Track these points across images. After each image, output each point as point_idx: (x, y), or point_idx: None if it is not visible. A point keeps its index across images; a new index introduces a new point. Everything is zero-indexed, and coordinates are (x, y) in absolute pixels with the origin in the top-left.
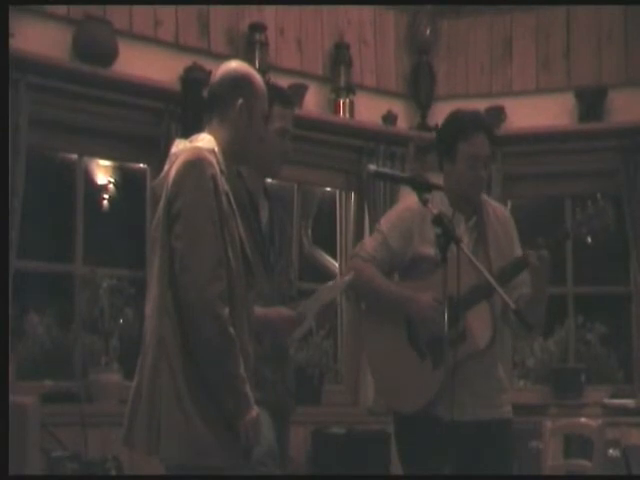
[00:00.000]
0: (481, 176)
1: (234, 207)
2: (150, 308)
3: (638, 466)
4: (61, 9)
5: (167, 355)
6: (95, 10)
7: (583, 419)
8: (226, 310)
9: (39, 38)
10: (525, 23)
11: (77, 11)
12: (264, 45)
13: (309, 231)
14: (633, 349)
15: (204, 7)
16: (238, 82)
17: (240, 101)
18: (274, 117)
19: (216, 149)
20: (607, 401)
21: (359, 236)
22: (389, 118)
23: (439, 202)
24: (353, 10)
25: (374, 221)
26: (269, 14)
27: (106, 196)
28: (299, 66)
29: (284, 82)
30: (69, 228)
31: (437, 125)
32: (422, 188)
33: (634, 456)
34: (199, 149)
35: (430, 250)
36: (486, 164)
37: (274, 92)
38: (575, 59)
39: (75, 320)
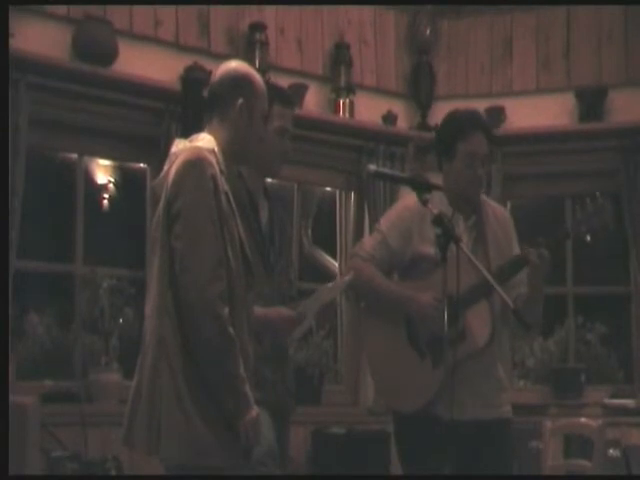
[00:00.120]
0: (479, 175)
1: (234, 207)
2: (150, 308)
3: (638, 466)
4: (61, 9)
5: (167, 355)
6: (95, 10)
7: (583, 419)
8: (226, 310)
9: (39, 38)
10: (525, 23)
11: (77, 11)
12: (264, 45)
13: (309, 231)
14: (633, 349)
15: (204, 7)
16: (238, 82)
17: (240, 101)
18: (273, 116)
19: (216, 149)
20: (607, 401)
21: (359, 236)
22: (389, 118)
23: (438, 202)
24: (353, 10)
25: (374, 221)
26: (269, 14)
27: (106, 196)
28: (299, 66)
29: (284, 82)
30: (69, 228)
31: (437, 125)
32: (422, 188)
33: (634, 456)
34: (199, 149)
35: (429, 249)
36: (484, 163)
37: (274, 91)
38: (575, 59)
39: (75, 320)
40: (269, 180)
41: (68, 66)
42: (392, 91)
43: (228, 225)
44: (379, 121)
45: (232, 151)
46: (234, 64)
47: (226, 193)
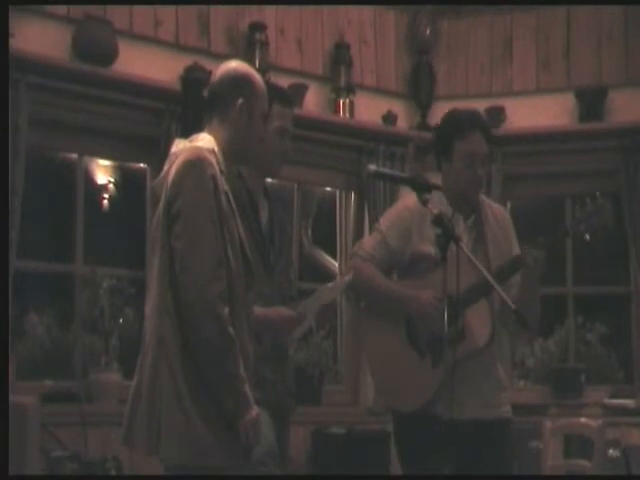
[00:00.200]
0: (479, 174)
1: (234, 207)
2: (150, 308)
3: (638, 466)
4: (61, 9)
5: (167, 355)
6: (95, 10)
7: (583, 419)
8: (226, 310)
9: (39, 38)
10: (525, 23)
11: (77, 11)
12: (264, 45)
13: (309, 231)
14: (633, 349)
15: (204, 7)
16: (238, 82)
17: (240, 101)
18: (273, 116)
19: (216, 149)
20: (607, 401)
21: (359, 236)
22: (389, 118)
23: (438, 202)
24: (353, 10)
25: (374, 221)
26: (269, 14)
27: (106, 196)
28: (299, 66)
29: (284, 82)
30: (69, 228)
31: (437, 125)
32: (422, 188)
33: (634, 456)
34: (199, 149)
35: (429, 248)
36: (483, 162)
37: (273, 91)
38: (575, 59)
39: (75, 320)
40: (269, 180)
41: (68, 66)
42: (392, 91)
43: (228, 225)
44: (379, 121)
45: (232, 151)
46: (234, 64)
47: (226, 193)
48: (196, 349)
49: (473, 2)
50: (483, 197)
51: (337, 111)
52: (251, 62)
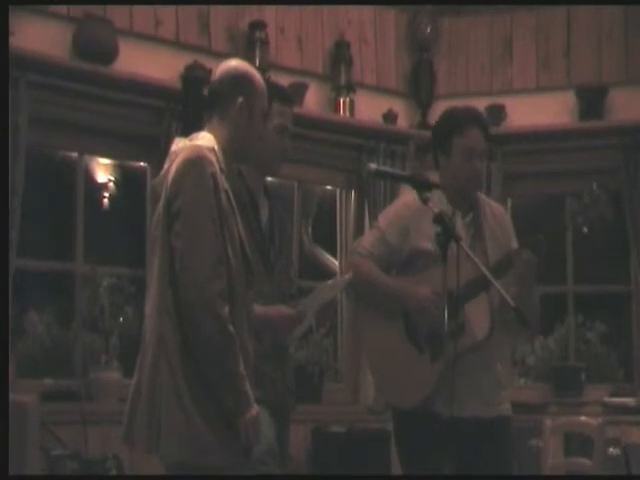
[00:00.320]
0: (478, 169)
1: (234, 205)
2: (150, 306)
3: (638, 465)
4: (61, 7)
5: (167, 353)
6: (95, 9)
7: (583, 417)
8: (226, 308)
9: (39, 36)
10: (525, 22)
11: (77, 9)
12: (264, 43)
13: (309, 229)
14: (633, 347)
15: (204, 5)
16: (238, 80)
17: (240, 99)
18: (273, 114)
19: (216, 147)
20: (607, 399)
21: (359, 234)
22: (389, 117)
23: (437, 200)
24: (353, 9)
25: (374, 219)
26: (269, 12)
27: (106, 194)
28: (299, 64)
29: (284, 80)
30: (69, 226)
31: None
32: (422, 187)
33: (634, 454)
34: (199, 147)
35: (427, 244)
36: (482, 158)
37: (273, 90)
38: (575, 58)
39: (75, 318)
40: (269, 179)
41: (68, 65)
42: (392, 90)
43: (228, 223)
44: (379, 120)
45: (232, 149)
46: (234, 63)
47: (226, 191)
48: (196, 347)
49: (473, 2)
50: (482, 195)
51: (337, 110)
52: (251, 61)
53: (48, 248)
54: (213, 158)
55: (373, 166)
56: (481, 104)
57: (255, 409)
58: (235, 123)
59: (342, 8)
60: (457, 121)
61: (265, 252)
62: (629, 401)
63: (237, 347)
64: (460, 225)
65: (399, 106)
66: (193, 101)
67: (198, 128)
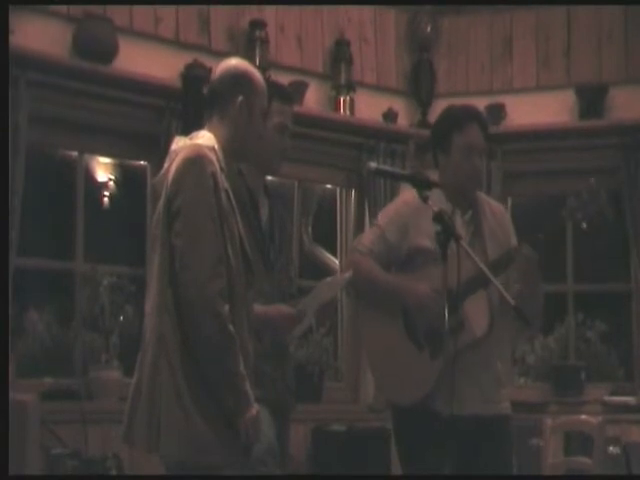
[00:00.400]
0: (477, 167)
1: (234, 204)
2: (150, 305)
3: (638, 463)
4: (61, 6)
5: (167, 352)
6: (95, 7)
7: (583, 416)
8: (226, 308)
9: (39, 35)
10: (525, 21)
11: (77, 8)
12: (264, 42)
13: (309, 228)
14: (633, 346)
15: (204, 4)
16: (238, 79)
17: (240, 98)
18: (273, 113)
19: (216, 146)
20: (607, 398)
21: (359, 233)
22: (389, 116)
23: (437, 198)
24: (353, 8)
25: (374, 218)
26: (269, 11)
27: (106, 193)
28: (299, 63)
29: (284, 79)
30: (69, 225)
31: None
32: (422, 185)
33: (634, 453)
34: (199, 146)
35: (426, 242)
36: (481, 155)
37: (273, 88)
38: (575, 57)
39: (75, 318)
40: (269, 178)
41: (68, 63)
42: (392, 89)
43: (228, 223)
44: (379, 119)
45: (232, 148)
46: (234, 61)
47: (226, 190)
48: (196, 347)
49: (473, 2)
50: (481, 194)
51: (337, 109)
52: (251, 60)
53: (48, 247)
54: (213, 157)
55: (373, 165)
56: (481, 103)
57: (255, 408)
58: (235, 122)
59: (342, 7)
60: (456, 118)
61: (265, 251)
62: (629, 400)
63: (237, 346)
64: (459, 223)
65: (399, 105)
66: (193, 100)
67: (198, 127)
